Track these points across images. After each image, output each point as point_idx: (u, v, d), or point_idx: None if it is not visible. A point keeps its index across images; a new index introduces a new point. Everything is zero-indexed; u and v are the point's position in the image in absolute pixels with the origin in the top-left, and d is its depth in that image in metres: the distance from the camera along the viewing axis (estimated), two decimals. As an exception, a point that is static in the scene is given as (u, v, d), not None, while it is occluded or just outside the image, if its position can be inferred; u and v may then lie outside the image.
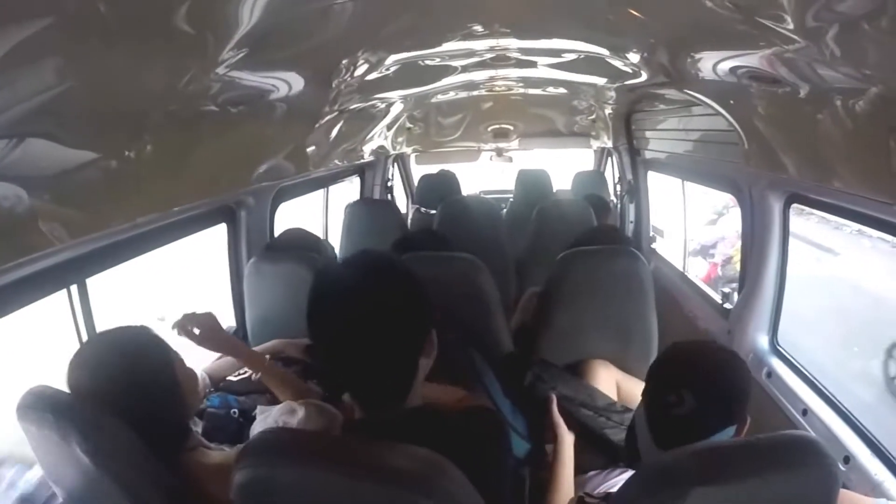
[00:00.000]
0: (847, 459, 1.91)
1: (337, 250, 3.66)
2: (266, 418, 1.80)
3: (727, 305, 2.97)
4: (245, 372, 2.31)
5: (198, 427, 1.98)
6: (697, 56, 1.97)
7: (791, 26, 1.28)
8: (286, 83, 2.08)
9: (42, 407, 1.37)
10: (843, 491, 1.22)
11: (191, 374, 1.71)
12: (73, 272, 1.96)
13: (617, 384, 2.27)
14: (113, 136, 1.55)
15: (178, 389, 1.60)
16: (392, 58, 2.42)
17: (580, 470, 1.97)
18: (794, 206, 2.40)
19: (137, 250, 2.25)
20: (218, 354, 2.19)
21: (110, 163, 1.56)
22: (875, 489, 1.77)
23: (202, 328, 1.82)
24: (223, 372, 2.27)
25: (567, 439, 1.95)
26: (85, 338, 2.06)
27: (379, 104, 3.60)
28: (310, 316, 1.21)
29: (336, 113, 2.93)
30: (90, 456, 1.33)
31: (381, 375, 1.21)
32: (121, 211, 1.71)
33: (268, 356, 2.10)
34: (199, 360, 2.18)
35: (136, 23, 1.16)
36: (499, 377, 2.13)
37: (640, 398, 2.16)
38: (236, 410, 2.12)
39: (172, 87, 1.57)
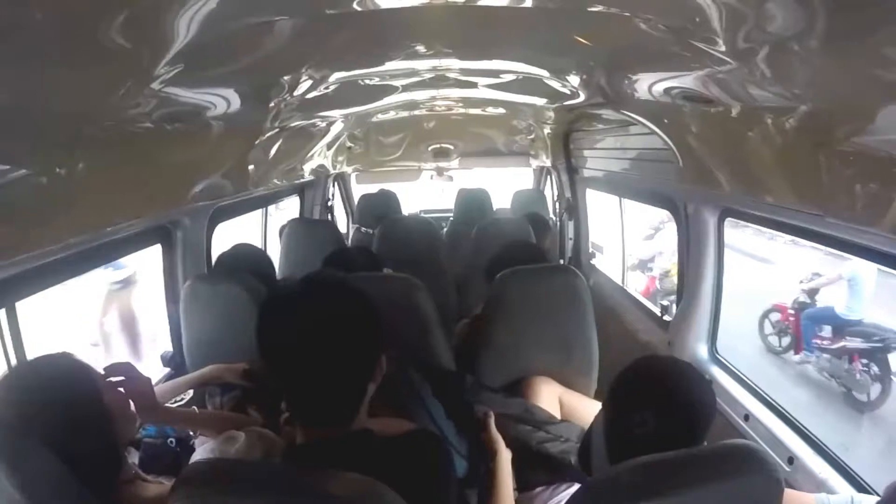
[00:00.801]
0: (791, 460, 1.97)
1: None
2: (205, 448, 1.75)
3: (666, 317, 3.05)
4: (182, 399, 2.24)
5: (133, 457, 1.90)
6: (634, 77, 2.03)
7: (723, 48, 1.33)
8: (224, 100, 2.04)
9: None
10: (787, 491, 1.24)
11: (122, 401, 1.63)
12: (1, 295, 1.87)
13: (559, 399, 2.29)
14: (43, 152, 1.49)
15: (108, 418, 1.52)
16: (333, 76, 2.40)
17: (526, 487, 1.98)
18: (729, 219, 2.48)
19: (69, 272, 2.15)
20: (158, 379, 2.11)
21: (40, 180, 1.50)
22: (820, 487, 1.83)
23: (136, 399, 1.72)
24: (161, 398, 2.18)
25: (505, 455, 1.95)
26: (14, 363, 1.96)
27: (319, 122, 3.57)
28: (260, 334, 1.19)
29: (276, 131, 2.89)
30: (19, 489, 1.26)
31: (330, 398, 1.20)
32: (51, 231, 1.64)
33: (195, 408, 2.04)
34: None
35: (68, 35, 1.12)
36: (439, 397, 2.11)
37: (582, 412, 2.19)
38: (173, 440, 2.06)
39: (105, 103, 1.51)
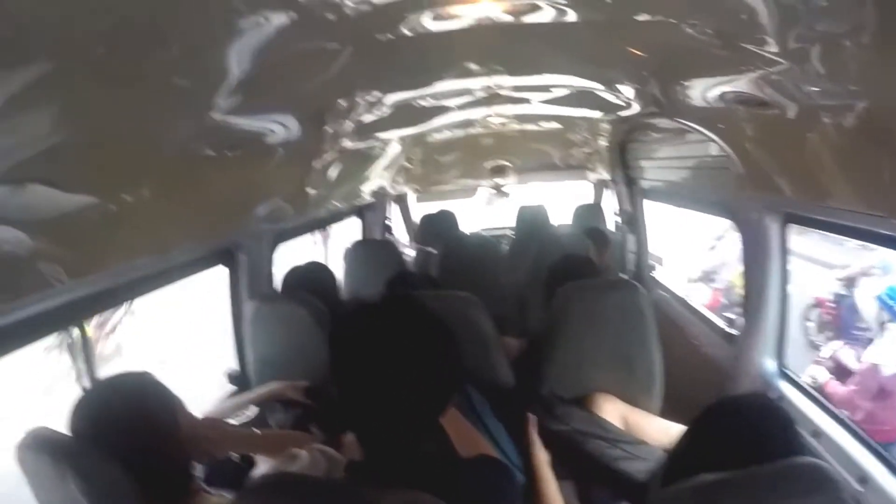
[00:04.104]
0: (863, 480, 1.88)
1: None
2: (267, 465, 1.79)
3: (732, 331, 2.96)
4: (245, 415, 2.30)
5: (197, 470, 1.97)
6: (686, 84, 2.01)
7: (774, 49, 1.32)
8: (282, 126, 2.11)
9: (41, 448, 1.37)
10: None
11: (193, 420, 1.69)
12: (72, 314, 1.96)
13: (622, 417, 2.24)
14: (111, 180, 1.58)
15: (180, 437, 1.57)
16: (388, 98, 2.46)
17: None
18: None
19: (136, 292, 2.25)
20: (221, 396, 2.17)
21: (108, 206, 1.59)
22: None
23: (211, 436, 1.77)
24: (223, 415, 2.26)
25: (542, 457, 1.94)
26: (84, 377, 2.06)
27: (376, 144, 3.65)
28: (334, 355, 1.19)
29: (334, 154, 2.97)
30: (88, 498, 1.32)
31: (402, 422, 1.19)
32: (119, 253, 1.74)
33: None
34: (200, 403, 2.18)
35: (132, 71, 1.19)
36: (498, 413, 2.11)
37: (646, 430, 2.15)
38: (237, 455, 2.11)
39: (168, 133, 1.60)
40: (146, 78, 1.26)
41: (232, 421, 2.25)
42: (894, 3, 0.95)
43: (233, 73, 1.40)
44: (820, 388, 4.50)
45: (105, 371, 1.72)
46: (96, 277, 1.76)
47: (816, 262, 8.04)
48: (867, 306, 5.74)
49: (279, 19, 1.23)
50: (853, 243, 6.14)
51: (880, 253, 5.83)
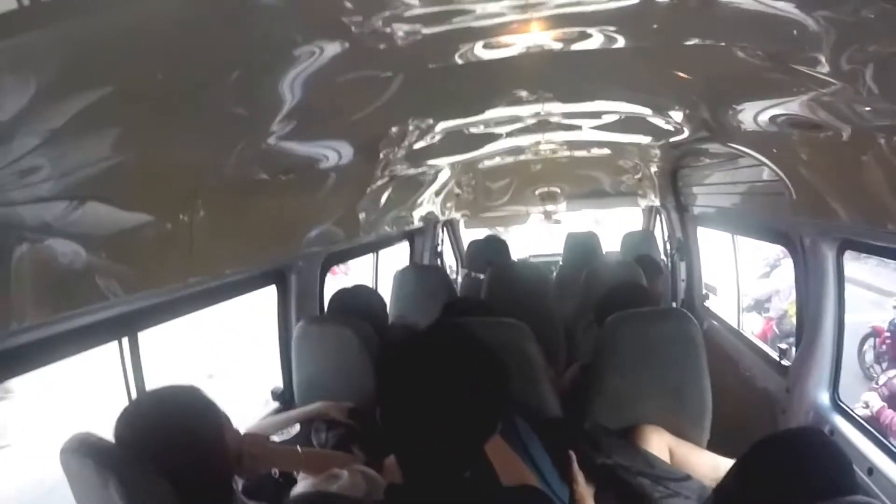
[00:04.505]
0: None
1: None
2: (307, 483, 1.81)
3: (785, 362, 2.88)
4: (288, 433, 2.34)
5: (237, 485, 2.00)
6: (738, 108, 2.00)
7: (826, 69, 1.31)
8: (335, 151, 2.18)
9: (84, 452, 1.40)
10: None
11: (237, 436, 1.72)
12: (125, 325, 2.03)
13: (669, 449, 2.20)
14: (167, 200, 1.66)
15: (225, 452, 1.61)
16: (439, 125, 2.51)
17: None
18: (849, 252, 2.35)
19: (188, 308, 2.31)
20: (263, 415, 2.20)
21: (165, 225, 1.67)
22: None
23: (254, 452, 1.80)
24: (267, 431, 2.29)
25: (585, 491, 1.94)
26: (133, 388, 2.12)
27: (427, 170, 3.70)
28: (383, 379, 1.20)
29: (385, 179, 3.04)
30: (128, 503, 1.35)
31: (446, 450, 1.19)
32: (173, 271, 1.81)
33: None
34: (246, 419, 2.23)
35: (190, 97, 1.26)
36: (545, 444, 2.10)
37: (694, 464, 2.11)
38: (276, 471, 2.14)
39: (224, 157, 1.67)
40: (203, 104, 1.33)
41: (275, 438, 2.28)
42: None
43: (288, 100, 1.46)
44: (875, 415, 4.47)
45: (154, 383, 1.77)
46: (150, 293, 1.82)
47: (871, 288, 7.76)
48: None
49: (333, 49, 1.28)
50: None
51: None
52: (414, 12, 1.18)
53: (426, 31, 1.31)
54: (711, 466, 2.05)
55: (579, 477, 1.98)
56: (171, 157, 1.50)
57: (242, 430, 1.99)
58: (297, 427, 2.41)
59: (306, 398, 2.59)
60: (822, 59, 1.28)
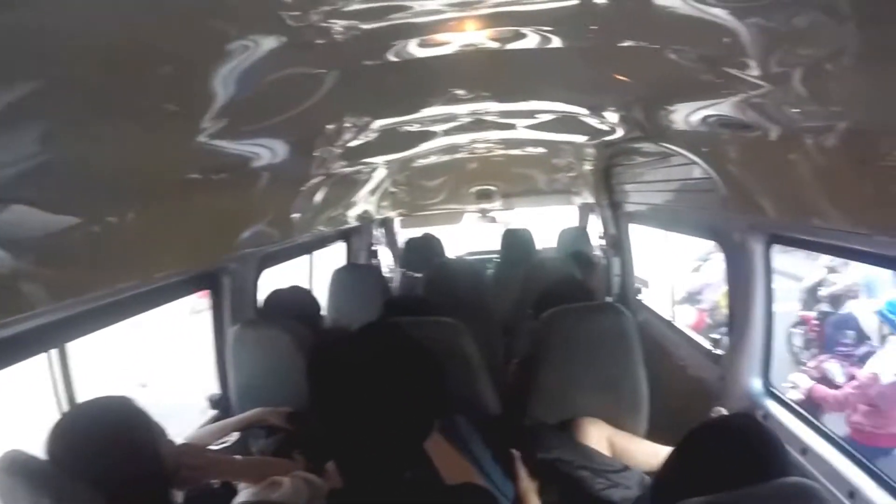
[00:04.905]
0: (852, 494, 1.89)
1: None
2: (248, 492, 1.77)
3: (718, 351, 2.97)
4: (226, 442, 2.27)
5: (177, 498, 1.94)
6: (671, 109, 2.04)
7: (757, 72, 1.35)
8: (269, 150, 2.11)
9: (15, 471, 1.34)
10: None
11: (174, 447, 1.67)
12: (52, 336, 1.93)
13: (609, 441, 2.24)
14: (96, 202, 1.57)
15: (160, 465, 1.55)
16: (375, 124, 2.47)
17: None
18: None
19: (119, 316, 2.21)
20: (200, 423, 2.14)
21: (93, 228, 1.58)
22: None
23: (192, 464, 1.74)
24: (205, 441, 2.22)
25: (528, 485, 1.98)
26: (64, 402, 2.03)
27: (363, 169, 3.66)
28: (312, 383, 1.18)
29: (320, 178, 2.98)
30: None
31: (384, 451, 1.18)
32: (102, 277, 1.71)
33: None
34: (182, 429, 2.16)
35: (118, 93, 1.19)
36: (487, 441, 2.10)
37: (634, 454, 2.15)
38: (216, 482, 2.07)
39: (155, 156, 1.59)
40: (133, 100, 1.26)
41: (213, 447, 2.21)
42: (874, 26, 0.98)
43: (221, 97, 1.40)
44: (807, 392, 4.67)
45: (85, 395, 1.68)
46: (79, 300, 1.73)
47: (798, 279, 8.18)
48: (867, 320, 5.85)
49: (268, 43, 1.24)
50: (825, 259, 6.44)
51: (864, 270, 6.07)
52: (352, 7, 1.16)
53: (364, 26, 1.28)
54: (651, 454, 2.09)
55: (522, 473, 2.00)
56: (98, 156, 1.41)
57: (179, 441, 1.92)
58: (236, 435, 2.36)
59: (244, 404, 2.51)
60: (753, 63, 1.32)
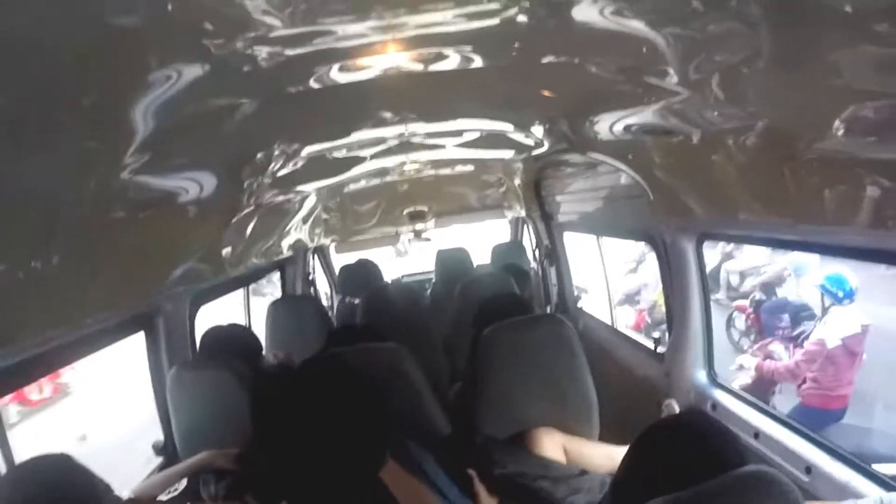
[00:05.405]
0: (808, 469, 1.94)
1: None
2: None
3: (660, 349, 3.03)
4: (175, 490, 2.18)
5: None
6: (595, 120, 2.09)
7: (675, 80, 1.39)
8: (196, 183, 2.06)
9: None
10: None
11: (120, 503, 1.59)
12: None
13: (564, 448, 2.25)
14: (16, 247, 1.48)
15: None
16: (303, 151, 2.44)
17: None
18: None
19: (49, 367, 2.11)
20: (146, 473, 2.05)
21: (16, 274, 1.49)
22: (843, 491, 1.80)
23: None
24: (153, 492, 2.14)
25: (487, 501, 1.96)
26: (1, 464, 1.90)
27: (293, 197, 3.60)
28: (256, 422, 1.16)
29: (250, 209, 2.91)
30: None
31: (336, 490, 1.17)
32: (30, 325, 1.63)
33: None
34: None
35: (36, 128, 1.13)
36: (440, 462, 2.08)
37: (589, 458, 2.16)
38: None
39: (76, 195, 1.52)
40: (52, 136, 1.20)
41: (163, 497, 2.13)
42: (784, 30, 1.02)
43: (142, 129, 1.35)
44: (759, 370, 5.08)
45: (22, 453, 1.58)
46: (6, 351, 1.63)
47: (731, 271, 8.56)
48: (807, 297, 6.22)
49: (192, 72, 1.21)
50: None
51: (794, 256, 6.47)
52: (276, 34, 1.14)
53: (289, 52, 1.27)
54: (606, 456, 2.11)
55: (481, 491, 1.98)
56: (16, 197, 1.33)
57: (125, 494, 1.83)
58: (185, 482, 2.26)
59: (189, 449, 2.41)
60: (671, 71, 1.36)
